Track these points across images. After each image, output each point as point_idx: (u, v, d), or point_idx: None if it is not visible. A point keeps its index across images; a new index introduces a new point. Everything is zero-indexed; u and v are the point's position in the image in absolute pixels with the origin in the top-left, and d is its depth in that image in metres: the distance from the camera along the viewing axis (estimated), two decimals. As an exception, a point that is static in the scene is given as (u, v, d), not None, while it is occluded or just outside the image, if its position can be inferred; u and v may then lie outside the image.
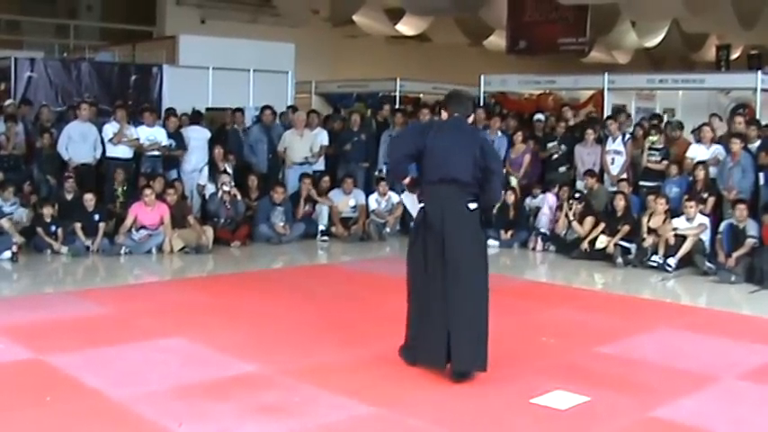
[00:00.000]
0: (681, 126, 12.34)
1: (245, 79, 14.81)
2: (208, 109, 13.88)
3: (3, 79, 13.22)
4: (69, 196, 10.83)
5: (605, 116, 13.42)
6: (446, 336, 5.35)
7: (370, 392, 5.16)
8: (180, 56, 14.76)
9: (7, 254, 9.79)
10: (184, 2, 19.91)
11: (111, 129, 11.57)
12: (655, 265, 10.05)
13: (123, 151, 11.64)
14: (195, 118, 12.88)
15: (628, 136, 11.98)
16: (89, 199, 10.57)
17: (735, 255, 9.60)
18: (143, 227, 10.61)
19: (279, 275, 9.94)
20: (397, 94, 17.24)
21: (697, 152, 11.10)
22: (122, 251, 10.42)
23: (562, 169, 12.33)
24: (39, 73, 13.26)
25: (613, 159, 11.83)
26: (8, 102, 12.24)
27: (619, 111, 13.58)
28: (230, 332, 6.62)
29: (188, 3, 19.90)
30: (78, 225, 10.41)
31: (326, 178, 12.72)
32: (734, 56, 22.06)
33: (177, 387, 5.23)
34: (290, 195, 12.11)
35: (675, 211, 10.46)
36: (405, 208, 11.63)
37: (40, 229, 10.31)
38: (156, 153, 11.86)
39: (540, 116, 13.63)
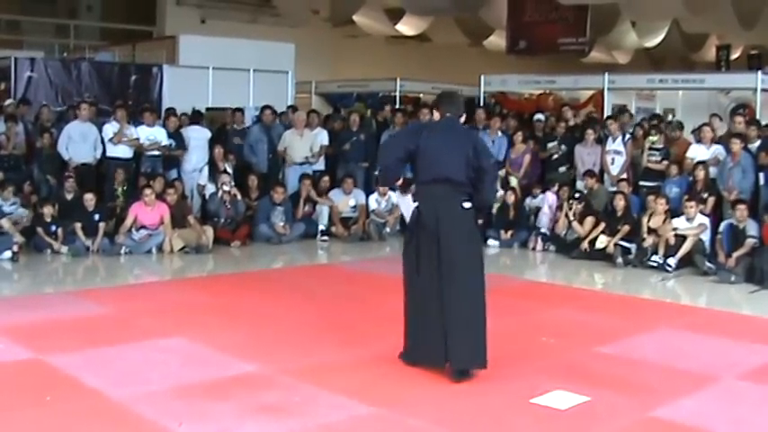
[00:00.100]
0: (680, 126, 12.35)
1: (245, 79, 14.82)
2: (208, 109, 13.88)
3: (3, 79, 13.22)
4: (69, 196, 10.83)
5: (605, 116, 13.43)
6: (443, 335, 5.36)
7: (370, 392, 5.16)
8: (180, 56, 14.77)
9: (7, 254, 9.80)
10: (184, 2, 19.91)
11: (111, 128, 11.58)
12: (655, 265, 10.05)
13: (123, 151, 11.65)
14: (195, 118, 12.89)
15: (628, 136, 11.98)
16: (89, 199, 10.57)
17: (735, 255, 9.60)
18: (143, 227, 10.61)
19: (279, 275, 9.94)
20: (397, 94, 17.24)
21: (697, 152, 11.10)
22: (122, 251, 10.42)
23: (562, 169, 12.33)
24: (39, 73, 13.27)
25: (613, 159, 11.83)
26: (8, 102, 12.25)
27: (622, 111, 13.59)
28: (230, 332, 6.62)
29: (188, 3, 19.91)
30: (78, 225, 10.41)
31: (326, 178, 12.72)
32: (734, 56, 22.06)
33: (177, 387, 5.23)
34: (290, 195, 12.11)
35: (675, 212, 10.46)
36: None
37: (40, 229, 10.32)
38: (156, 153, 11.87)
39: (540, 116, 13.63)
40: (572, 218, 11.14)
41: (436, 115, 5.79)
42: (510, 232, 11.78)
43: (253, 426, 4.60)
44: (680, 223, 10.22)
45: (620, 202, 10.78)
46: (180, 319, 7.11)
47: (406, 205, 5.79)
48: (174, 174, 12.07)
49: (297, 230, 11.87)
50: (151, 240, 10.59)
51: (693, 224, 10.15)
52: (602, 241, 10.69)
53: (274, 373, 5.57)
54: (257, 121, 13.29)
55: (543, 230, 11.63)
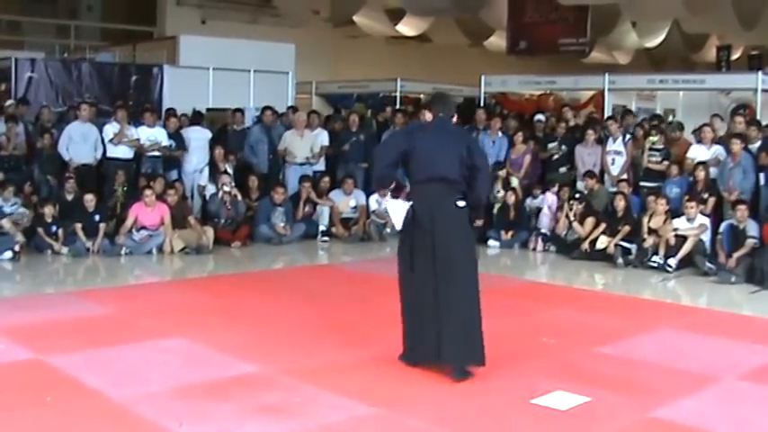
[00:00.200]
0: (680, 127, 12.35)
1: (245, 80, 14.83)
2: (208, 109, 13.88)
3: (3, 80, 13.23)
4: (70, 197, 10.84)
5: (606, 117, 13.42)
6: (438, 332, 5.39)
7: (370, 393, 5.16)
8: (180, 56, 14.78)
9: (8, 254, 9.81)
10: (185, 2, 19.91)
11: (111, 129, 11.59)
12: (655, 265, 10.05)
13: (124, 152, 11.66)
14: (196, 118, 12.89)
15: (628, 136, 11.98)
16: (89, 199, 10.57)
17: (735, 255, 9.60)
18: (143, 227, 10.61)
19: (279, 276, 9.94)
20: (398, 94, 17.24)
21: (697, 153, 11.10)
22: (123, 252, 10.42)
23: (563, 170, 12.33)
24: (39, 73, 13.28)
25: (614, 160, 11.83)
26: (9, 102, 12.25)
27: (627, 112, 13.60)
28: (231, 332, 6.62)
29: (188, 3, 19.91)
30: (79, 225, 10.41)
31: (326, 179, 12.72)
32: (734, 56, 22.03)
33: (178, 387, 5.23)
34: (291, 196, 12.12)
35: (676, 212, 10.46)
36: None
37: (40, 230, 10.32)
38: (157, 153, 11.87)
39: (540, 117, 13.63)
40: (572, 218, 11.14)
41: (428, 116, 5.84)
42: (510, 233, 11.78)
43: (253, 426, 4.60)
44: (680, 224, 10.22)
45: (620, 203, 10.78)
46: (180, 319, 7.11)
47: (395, 210, 5.82)
48: (174, 174, 12.08)
49: (297, 231, 11.87)
50: (151, 241, 10.59)
51: (694, 224, 10.15)
52: (602, 242, 10.69)
53: (275, 373, 5.57)
54: (258, 121, 13.29)
55: (544, 231, 11.63)
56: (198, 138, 12.41)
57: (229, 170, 12.07)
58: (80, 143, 11.48)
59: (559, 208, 11.49)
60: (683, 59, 22.57)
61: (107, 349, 6.06)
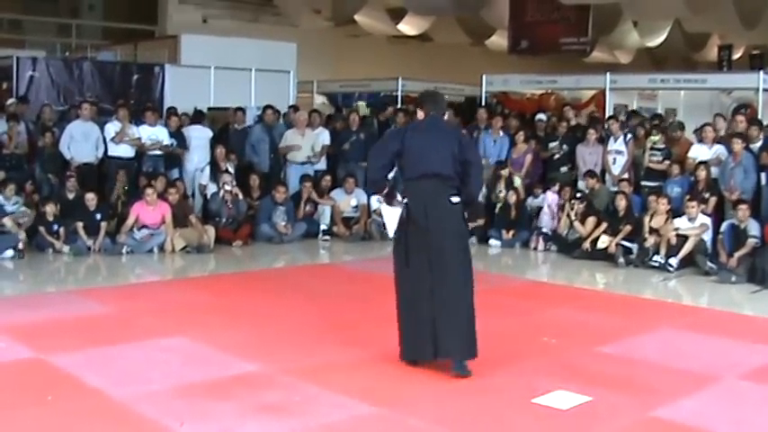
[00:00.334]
0: (681, 126, 12.34)
1: (246, 79, 14.82)
2: (210, 108, 13.88)
3: (5, 78, 13.23)
4: (71, 195, 10.85)
5: (607, 116, 13.42)
6: (433, 328, 5.43)
7: (371, 392, 5.16)
8: (182, 55, 14.79)
9: (9, 252, 9.82)
10: (186, 1, 19.87)
11: (113, 128, 11.60)
12: (656, 265, 10.05)
13: (125, 150, 11.67)
14: (197, 117, 12.89)
15: (629, 136, 11.97)
16: (91, 198, 10.58)
17: (736, 255, 9.59)
18: (145, 226, 10.62)
19: (280, 275, 9.94)
20: (399, 93, 17.22)
21: (699, 152, 11.09)
22: (124, 250, 10.42)
23: (564, 169, 12.33)
24: (41, 72, 13.27)
25: (615, 159, 11.84)
26: (10, 101, 12.25)
27: (632, 113, 13.59)
28: (232, 331, 6.63)
29: (190, 2, 19.87)
30: (80, 224, 10.43)
31: (328, 177, 12.73)
32: (736, 56, 22.02)
33: (179, 386, 5.23)
34: (292, 195, 12.12)
35: (677, 211, 10.45)
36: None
37: (42, 228, 10.33)
38: (158, 152, 11.88)
39: (541, 116, 13.63)
40: (574, 218, 11.14)
41: (420, 114, 5.90)
42: (512, 232, 11.78)
43: (254, 425, 4.60)
44: (681, 223, 10.21)
45: (621, 202, 10.78)
46: (181, 318, 7.12)
47: (389, 216, 5.86)
48: (175, 173, 12.08)
49: (298, 230, 11.88)
50: (153, 240, 10.60)
51: (695, 224, 10.15)
52: (603, 241, 10.69)
53: (276, 372, 5.57)
54: (259, 120, 13.30)
55: (545, 230, 11.63)
56: (198, 137, 12.41)
57: (230, 169, 12.07)
58: (81, 142, 11.48)
59: (561, 207, 11.49)
60: (684, 59, 22.54)
61: (108, 348, 6.07)
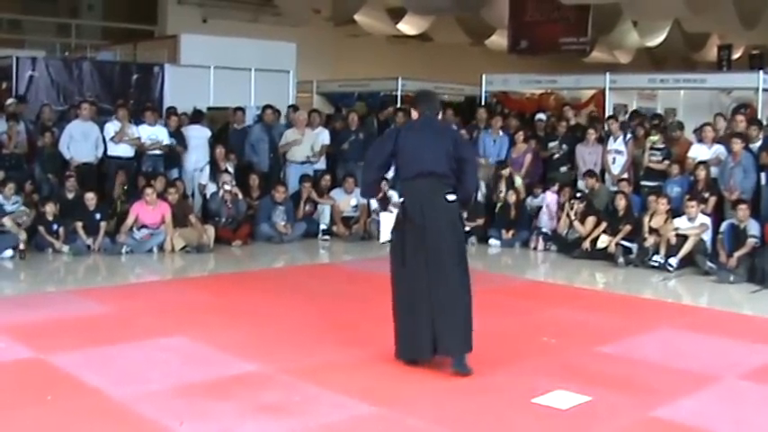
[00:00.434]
0: (680, 126, 12.33)
1: (246, 78, 14.81)
2: (209, 108, 13.88)
3: (4, 78, 13.22)
4: (70, 195, 10.85)
5: (606, 116, 13.42)
6: (431, 326, 5.45)
7: (371, 392, 5.16)
8: (181, 55, 14.77)
9: (9, 252, 9.82)
10: (186, 1, 19.87)
11: (112, 128, 11.60)
12: (656, 264, 10.05)
13: (124, 150, 11.67)
14: (196, 117, 12.89)
15: (629, 136, 11.98)
16: (90, 198, 10.58)
17: (736, 255, 9.59)
18: (144, 226, 10.62)
19: (280, 275, 9.94)
20: (399, 93, 17.21)
21: (698, 152, 11.09)
22: (124, 250, 10.43)
23: (563, 169, 12.33)
24: (40, 72, 13.27)
25: (614, 159, 11.85)
26: (10, 101, 12.24)
27: (635, 113, 13.58)
28: (231, 331, 6.63)
29: (189, 2, 19.87)
30: (80, 224, 10.43)
31: (327, 177, 12.73)
32: (735, 56, 22.02)
33: (178, 386, 5.23)
34: (292, 195, 12.12)
35: (677, 211, 10.46)
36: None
37: (41, 228, 10.33)
38: (158, 152, 11.87)
39: (541, 116, 13.63)
40: (573, 217, 11.14)
41: (415, 114, 5.94)
42: (511, 232, 11.79)
43: (253, 425, 4.60)
44: (681, 223, 10.21)
45: (621, 202, 10.79)
46: (181, 318, 7.12)
47: (386, 222, 5.89)
48: (174, 173, 12.08)
49: (298, 230, 11.88)
50: (152, 239, 10.60)
51: (695, 224, 10.15)
52: (603, 241, 10.70)
53: (275, 372, 5.57)
54: (258, 120, 13.30)
55: (545, 230, 11.63)
56: (197, 136, 12.42)
57: (230, 169, 12.07)
58: (81, 142, 11.47)
59: (561, 207, 11.49)
60: (683, 59, 22.55)
61: (108, 348, 6.07)
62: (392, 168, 5.96)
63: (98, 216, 10.57)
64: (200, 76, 14.36)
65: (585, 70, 17.89)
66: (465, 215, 10.61)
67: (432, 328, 5.46)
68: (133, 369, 5.57)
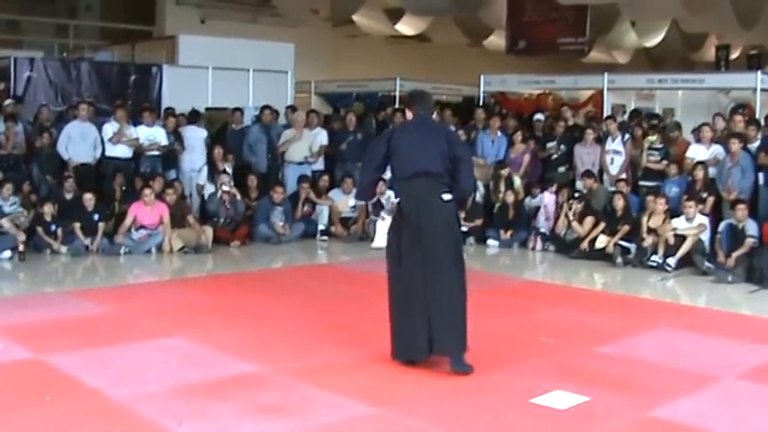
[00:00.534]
0: (678, 126, 12.34)
1: (244, 79, 14.81)
2: (207, 109, 13.88)
3: (2, 79, 13.19)
4: (69, 196, 10.84)
5: (605, 116, 13.43)
6: (427, 325, 5.46)
7: (369, 392, 5.16)
8: (179, 56, 14.76)
9: (7, 253, 9.82)
10: (184, 1, 19.88)
11: (110, 128, 11.59)
12: (654, 264, 10.06)
13: (122, 151, 11.66)
14: (192, 117, 12.88)
15: (627, 136, 11.98)
16: (88, 199, 10.57)
17: (734, 255, 9.60)
18: (142, 226, 10.61)
19: (278, 275, 9.94)
20: (397, 93, 17.22)
21: (696, 152, 11.10)
22: (122, 251, 10.42)
23: (561, 169, 12.33)
24: (38, 73, 13.26)
25: (613, 159, 11.84)
26: (7, 101, 12.23)
27: (634, 112, 13.58)
28: (230, 332, 6.62)
29: (188, 2, 19.87)
30: (78, 225, 10.42)
31: (326, 177, 12.73)
32: (733, 56, 22.03)
33: (177, 387, 5.23)
34: (290, 195, 12.12)
35: (675, 211, 10.46)
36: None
37: (39, 229, 10.32)
38: (156, 153, 11.87)
39: (539, 116, 13.63)
40: (572, 218, 11.14)
41: (409, 115, 5.97)
42: (510, 232, 11.78)
43: (252, 426, 4.60)
44: (679, 223, 10.22)
45: (619, 202, 10.79)
46: (179, 318, 7.12)
47: (382, 228, 5.91)
48: (172, 174, 12.07)
49: (296, 230, 11.88)
50: (150, 240, 10.59)
51: (693, 224, 10.15)
52: (601, 241, 10.70)
53: (273, 372, 5.57)
54: (256, 121, 13.29)
55: (543, 230, 11.63)
56: (194, 137, 12.41)
57: (228, 169, 12.07)
58: (79, 142, 11.46)
59: (559, 207, 11.49)
60: (682, 59, 22.56)
61: (106, 348, 6.07)
62: (388, 169, 5.98)
63: (96, 217, 10.56)
64: (198, 77, 14.36)
65: (584, 70, 17.93)
66: (463, 215, 10.69)
67: (427, 327, 5.47)
68: (132, 370, 5.57)
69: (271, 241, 11.59)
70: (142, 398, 4.98)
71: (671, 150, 11.50)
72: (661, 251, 10.10)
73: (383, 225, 5.98)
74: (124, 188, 11.40)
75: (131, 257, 10.37)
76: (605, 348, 6.42)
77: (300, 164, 12.74)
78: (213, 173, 12.11)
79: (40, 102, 12.70)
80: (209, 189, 12.01)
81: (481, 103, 14.99)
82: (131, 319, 7.07)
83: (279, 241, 11.60)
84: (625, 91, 15.04)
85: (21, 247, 9.87)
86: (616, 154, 11.83)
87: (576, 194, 11.34)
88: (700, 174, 10.66)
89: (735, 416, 4.99)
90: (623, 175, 11.58)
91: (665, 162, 11.33)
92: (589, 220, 11.01)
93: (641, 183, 11.55)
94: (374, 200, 6.07)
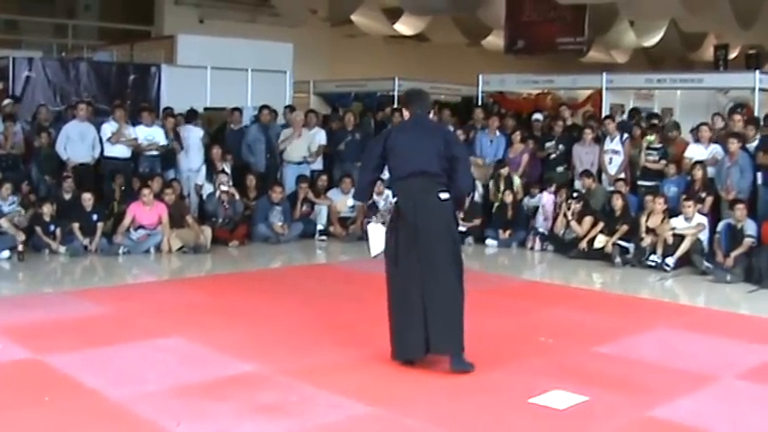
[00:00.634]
0: (677, 126, 12.35)
1: (243, 79, 14.82)
2: (206, 108, 13.87)
3: (1, 79, 13.19)
4: (67, 196, 10.84)
5: (603, 115, 13.43)
6: (423, 325, 5.46)
7: (368, 392, 5.16)
8: (178, 55, 14.77)
9: (6, 253, 9.81)
10: (183, 1, 19.87)
11: (109, 128, 11.59)
12: (653, 264, 10.06)
13: (121, 151, 11.65)
14: (190, 117, 12.88)
15: (626, 136, 11.98)
16: (87, 199, 10.57)
17: (733, 254, 9.60)
18: (141, 226, 10.61)
19: (277, 275, 9.94)
20: (396, 93, 17.22)
21: (695, 152, 11.10)
22: (121, 251, 10.42)
23: (560, 169, 12.33)
24: (37, 72, 13.26)
25: (611, 159, 11.85)
26: (6, 101, 12.23)
27: (633, 111, 13.58)
28: (228, 332, 6.62)
29: (186, 2, 19.87)
30: (76, 225, 10.41)
31: (324, 177, 12.73)
32: (732, 55, 22.03)
33: (175, 387, 5.23)
34: (289, 195, 12.12)
35: (674, 211, 10.46)
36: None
37: (38, 229, 10.32)
38: (155, 153, 11.86)
39: (538, 116, 13.64)
40: (570, 217, 11.14)
41: (406, 114, 5.96)
42: (508, 232, 11.79)
43: (251, 425, 4.60)
44: (678, 223, 10.22)
45: (617, 202, 10.79)
46: (178, 318, 7.11)
47: (375, 234, 5.90)
48: (171, 174, 12.07)
49: (295, 230, 11.88)
50: (149, 240, 10.59)
51: (691, 224, 10.15)
52: (600, 241, 10.70)
53: (272, 372, 5.57)
54: (255, 120, 13.29)
55: (541, 230, 11.63)
56: (191, 136, 12.41)
57: (227, 169, 12.07)
58: (78, 142, 11.46)
59: (557, 207, 11.49)
60: (680, 58, 22.56)
61: (105, 349, 6.06)
62: (386, 169, 5.98)
63: (95, 217, 10.56)
64: (196, 77, 14.36)
65: (582, 70, 17.92)
66: (461, 215, 10.70)
67: (424, 327, 5.47)
68: (130, 370, 5.56)
69: (269, 241, 11.58)
70: (141, 398, 4.98)
71: (669, 150, 11.50)
72: (660, 251, 10.10)
73: (374, 230, 5.94)
74: (123, 188, 11.40)
75: (130, 257, 10.36)
76: (604, 348, 6.42)
77: (299, 164, 12.74)
78: (212, 173, 12.11)
79: (38, 101, 12.70)
80: (207, 189, 12.01)
81: (480, 103, 14.99)
82: (130, 319, 7.06)
83: (277, 241, 11.60)
84: (624, 90, 15.04)
85: (20, 247, 9.87)
86: (615, 154, 11.83)
87: (575, 194, 11.34)
88: (698, 173, 10.66)
89: (734, 415, 4.99)
90: (622, 175, 11.58)
91: (663, 162, 11.33)
92: (588, 220, 11.01)
93: (640, 182, 11.55)
94: (369, 201, 6.05)
